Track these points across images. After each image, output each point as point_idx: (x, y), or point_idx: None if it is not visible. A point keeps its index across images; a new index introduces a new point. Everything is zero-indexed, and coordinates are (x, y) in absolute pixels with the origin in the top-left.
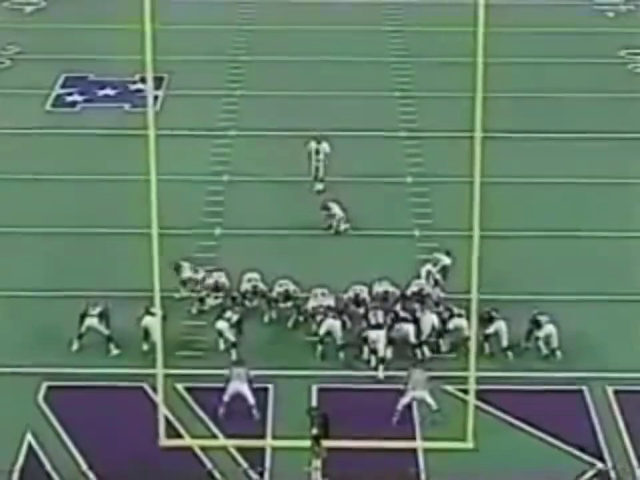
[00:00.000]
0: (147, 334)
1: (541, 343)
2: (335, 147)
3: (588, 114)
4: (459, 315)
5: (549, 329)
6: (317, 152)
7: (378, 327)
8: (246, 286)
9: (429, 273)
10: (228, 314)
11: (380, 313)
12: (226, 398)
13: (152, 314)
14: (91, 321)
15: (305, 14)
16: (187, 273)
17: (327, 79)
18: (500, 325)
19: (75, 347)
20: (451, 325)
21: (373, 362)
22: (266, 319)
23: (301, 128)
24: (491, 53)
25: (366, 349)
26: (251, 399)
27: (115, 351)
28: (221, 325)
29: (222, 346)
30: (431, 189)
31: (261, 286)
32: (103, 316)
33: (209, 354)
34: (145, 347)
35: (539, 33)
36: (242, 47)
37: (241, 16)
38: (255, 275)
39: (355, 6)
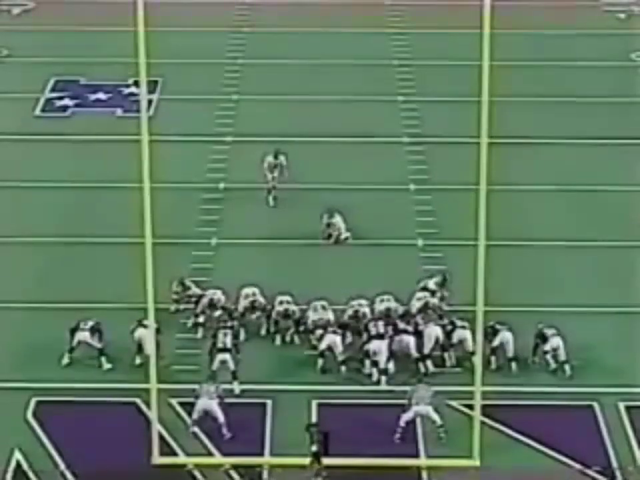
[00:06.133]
0: (140, 347)
1: (548, 357)
2: (336, 153)
3: (598, 118)
4: (462, 327)
5: (556, 341)
6: (275, 166)
7: (379, 336)
8: (244, 303)
9: (425, 289)
10: (228, 339)
11: (380, 324)
12: (195, 416)
13: (145, 326)
14: (83, 335)
15: (303, 16)
16: (172, 286)
17: (326, 83)
18: (505, 336)
19: (65, 360)
20: (454, 337)
21: (375, 376)
22: (263, 331)
23: (300, 133)
24: (498, 56)
25: (367, 363)
26: (221, 417)
27: (106, 365)
28: (223, 356)
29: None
30: (435, 196)
31: (260, 300)
32: (94, 330)
33: (205, 367)
34: (138, 360)
35: (547, 35)
36: (238, 49)
37: (238, 18)
38: (253, 290)
39: (356, 7)
